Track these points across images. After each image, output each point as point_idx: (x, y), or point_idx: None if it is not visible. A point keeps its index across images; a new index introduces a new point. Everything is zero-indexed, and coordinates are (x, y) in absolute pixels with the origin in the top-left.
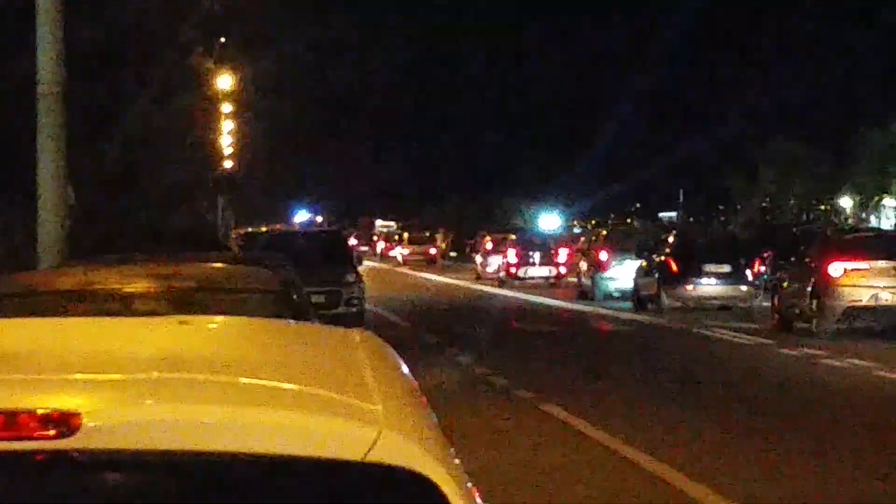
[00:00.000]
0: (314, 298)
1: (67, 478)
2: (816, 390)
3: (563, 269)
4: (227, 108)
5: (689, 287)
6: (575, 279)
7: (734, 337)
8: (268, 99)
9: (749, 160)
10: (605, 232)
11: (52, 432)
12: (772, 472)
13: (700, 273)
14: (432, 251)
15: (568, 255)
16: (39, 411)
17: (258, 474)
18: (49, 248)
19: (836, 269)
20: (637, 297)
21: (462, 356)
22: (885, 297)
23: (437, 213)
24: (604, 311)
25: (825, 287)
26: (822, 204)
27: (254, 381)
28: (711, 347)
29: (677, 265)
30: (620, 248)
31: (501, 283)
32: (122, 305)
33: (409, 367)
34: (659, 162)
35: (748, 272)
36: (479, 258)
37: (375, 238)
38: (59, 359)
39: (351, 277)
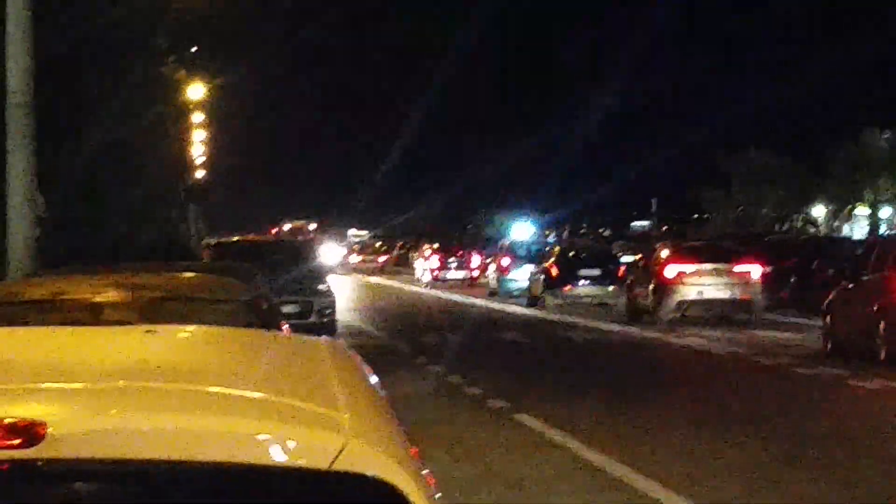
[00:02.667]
0: (286, 308)
1: (32, 487)
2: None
3: (475, 273)
4: (198, 117)
5: (567, 288)
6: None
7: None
8: (240, 107)
9: (722, 170)
10: (507, 242)
11: (17, 441)
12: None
13: (576, 277)
14: (381, 259)
15: (480, 260)
16: (5, 420)
17: (224, 483)
18: (19, 258)
19: (670, 271)
20: (530, 297)
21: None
22: (709, 293)
23: (408, 223)
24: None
25: (662, 286)
26: (795, 214)
27: (219, 389)
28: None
29: (557, 270)
30: (522, 256)
31: (427, 285)
32: (90, 315)
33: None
34: (633, 171)
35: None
36: (416, 264)
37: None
38: (25, 368)
39: (323, 287)
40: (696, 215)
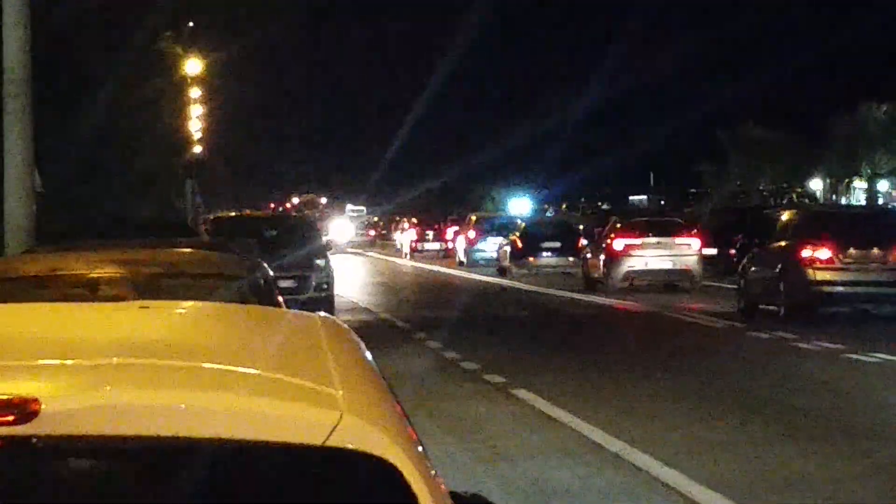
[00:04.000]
0: (283, 283)
1: (26, 464)
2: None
3: (450, 244)
4: (195, 92)
5: (531, 259)
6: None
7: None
8: (238, 82)
9: (720, 145)
10: (474, 218)
11: (10, 418)
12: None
13: (539, 249)
14: (371, 233)
15: (454, 233)
16: None
17: (218, 459)
18: (16, 234)
19: (618, 244)
20: (499, 267)
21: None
22: (654, 264)
23: (412, 200)
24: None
25: (611, 257)
26: (794, 187)
27: (213, 365)
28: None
29: (522, 243)
30: (488, 229)
31: (407, 255)
32: (87, 291)
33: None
34: (632, 146)
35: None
36: (396, 237)
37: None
38: (19, 344)
39: (321, 262)
40: (693, 189)
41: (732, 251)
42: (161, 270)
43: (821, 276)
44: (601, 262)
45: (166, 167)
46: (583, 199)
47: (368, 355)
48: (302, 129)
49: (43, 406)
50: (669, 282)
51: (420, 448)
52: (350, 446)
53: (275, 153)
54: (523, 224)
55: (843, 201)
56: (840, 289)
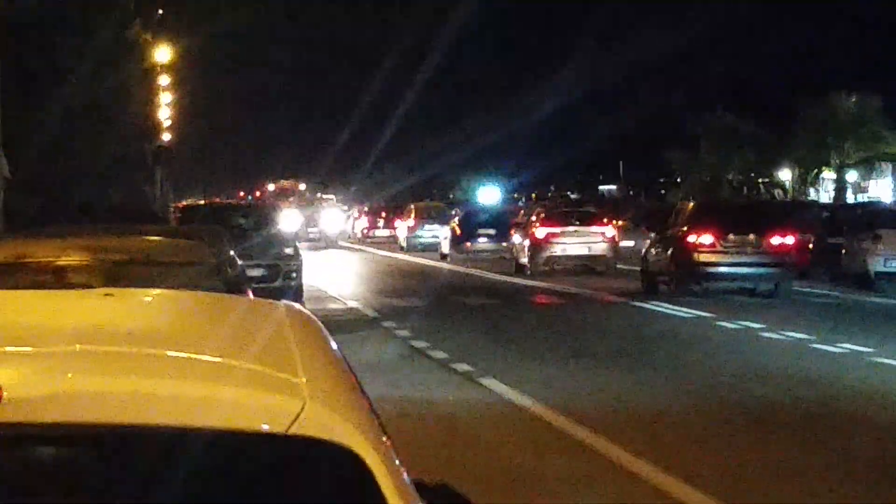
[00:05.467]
0: (253, 272)
1: None
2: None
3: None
4: (165, 80)
5: (468, 244)
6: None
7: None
8: (207, 70)
9: (690, 133)
10: (413, 207)
11: None
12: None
13: (475, 235)
14: None
15: (395, 221)
16: None
17: (180, 447)
18: None
19: (540, 232)
20: (441, 252)
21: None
22: (572, 250)
23: (373, 184)
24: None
25: (534, 244)
26: (763, 177)
27: (177, 353)
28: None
29: (460, 230)
30: (426, 217)
31: (360, 241)
32: (54, 278)
33: None
34: (602, 134)
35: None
36: (354, 225)
37: None
38: None
39: (290, 251)
40: (662, 179)
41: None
42: (128, 257)
43: (704, 257)
44: (526, 248)
45: (136, 154)
46: (552, 188)
47: (333, 344)
48: (276, 118)
49: (5, 393)
50: (586, 266)
51: (384, 437)
52: (313, 434)
53: (246, 141)
54: (461, 212)
55: (813, 192)
56: (720, 269)
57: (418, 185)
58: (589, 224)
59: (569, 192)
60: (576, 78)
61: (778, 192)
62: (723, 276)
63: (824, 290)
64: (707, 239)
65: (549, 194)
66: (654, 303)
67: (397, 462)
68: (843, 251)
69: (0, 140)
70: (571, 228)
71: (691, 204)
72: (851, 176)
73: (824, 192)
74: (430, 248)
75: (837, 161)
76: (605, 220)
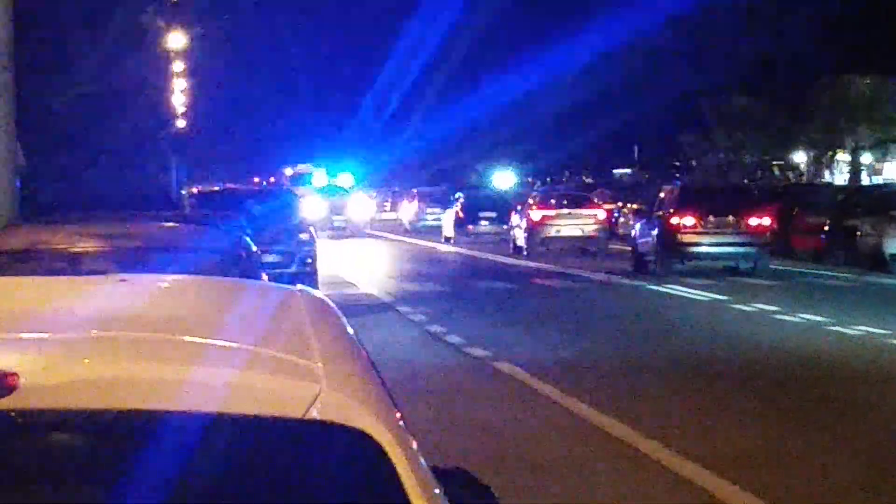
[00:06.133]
0: (268, 258)
1: (5, 438)
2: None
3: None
4: (178, 66)
5: (471, 227)
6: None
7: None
8: (223, 56)
9: (704, 116)
10: (416, 191)
11: None
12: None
13: (477, 218)
14: None
15: (401, 204)
16: None
17: (198, 432)
18: None
19: (536, 215)
20: (444, 235)
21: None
22: (565, 231)
23: (389, 172)
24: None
25: (531, 226)
26: (776, 160)
27: (192, 339)
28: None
29: (463, 213)
30: (429, 201)
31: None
32: (69, 265)
33: None
34: (617, 118)
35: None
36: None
37: None
38: None
39: (304, 237)
40: (677, 162)
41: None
42: (143, 244)
43: (686, 238)
44: (523, 231)
45: (150, 141)
46: (567, 172)
47: (350, 329)
48: (294, 104)
49: (22, 380)
50: (579, 246)
51: (401, 421)
52: (330, 419)
53: (263, 127)
54: (463, 196)
55: (827, 174)
56: (701, 248)
57: (437, 171)
58: (581, 207)
59: (584, 176)
60: (590, 63)
61: (791, 174)
62: (704, 256)
63: (839, 273)
64: (689, 220)
65: (565, 179)
66: (669, 286)
67: (414, 446)
68: (858, 233)
69: (14, 128)
70: (565, 211)
71: (675, 188)
72: (866, 158)
73: (839, 175)
74: (434, 231)
75: (852, 143)
76: (597, 203)
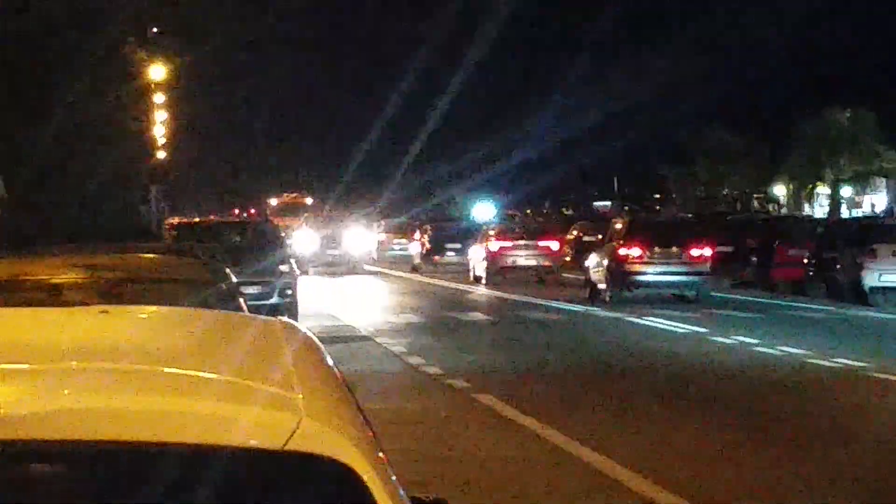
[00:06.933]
0: (248, 289)
1: None
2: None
3: None
4: (159, 98)
5: (437, 258)
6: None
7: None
8: (203, 87)
9: (685, 149)
10: (383, 223)
11: None
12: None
13: (443, 250)
14: None
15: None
16: None
17: (177, 464)
18: None
19: (494, 246)
20: (412, 265)
21: None
22: (521, 262)
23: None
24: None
25: (489, 257)
26: (757, 193)
27: (173, 370)
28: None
29: (430, 245)
30: (396, 233)
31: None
32: (50, 296)
33: None
34: (597, 150)
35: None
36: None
37: None
38: None
39: (285, 268)
40: (657, 195)
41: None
42: (124, 275)
43: (633, 267)
44: (482, 260)
45: (130, 172)
46: (546, 203)
47: (329, 360)
48: (273, 134)
49: (1, 410)
50: (534, 275)
51: (380, 452)
52: (310, 450)
53: (242, 159)
54: (429, 228)
55: (807, 207)
56: (647, 277)
57: (409, 200)
58: (537, 238)
59: (563, 208)
60: (571, 95)
61: (773, 207)
62: (650, 284)
63: (819, 305)
64: (636, 251)
65: (545, 210)
66: (648, 318)
67: (393, 478)
68: (838, 266)
69: None
70: (521, 242)
71: (623, 221)
72: (846, 191)
73: (819, 207)
74: (400, 261)
75: (832, 176)
76: (551, 235)
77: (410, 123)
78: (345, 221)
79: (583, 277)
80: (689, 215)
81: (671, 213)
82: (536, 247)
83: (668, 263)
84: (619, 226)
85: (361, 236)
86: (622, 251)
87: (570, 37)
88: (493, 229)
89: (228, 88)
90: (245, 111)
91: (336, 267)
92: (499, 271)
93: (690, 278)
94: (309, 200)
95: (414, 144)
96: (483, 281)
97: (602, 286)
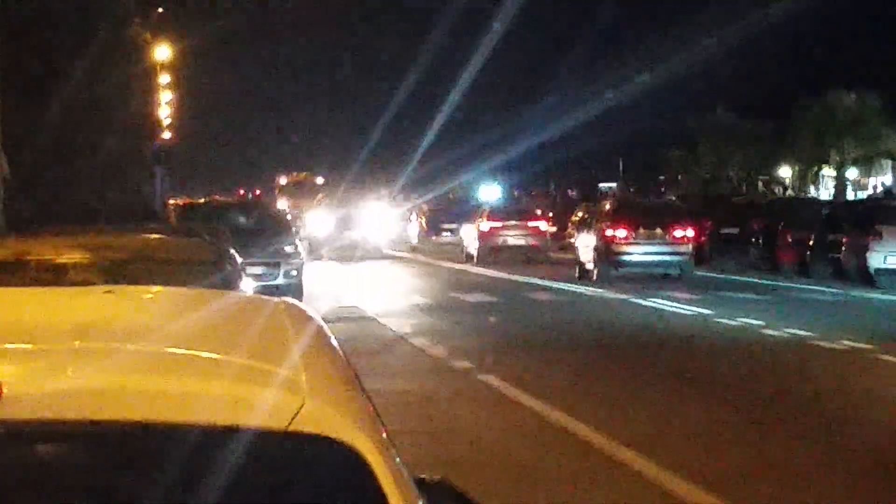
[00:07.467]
0: (253, 270)
1: None
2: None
3: None
4: (164, 78)
5: (434, 237)
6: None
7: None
8: (208, 68)
9: (690, 131)
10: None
11: None
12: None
13: (439, 230)
14: None
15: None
16: None
17: (180, 444)
18: None
19: (485, 226)
20: (410, 245)
21: None
22: (511, 241)
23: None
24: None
25: (480, 236)
26: (759, 175)
27: (176, 350)
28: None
29: (427, 225)
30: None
31: None
32: (55, 276)
33: None
34: (602, 132)
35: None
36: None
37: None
38: None
39: (290, 249)
40: (662, 176)
41: (703, 238)
42: (128, 256)
43: (619, 248)
44: (474, 241)
45: (135, 153)
46: (553, 185)
47: (333, 340)
48: (280, 116)
49: (5, 390)
50: (523, 255)
51: (384, 433)
52: (313, 431)
53: (251, 137)
54: (426, 209)
55: (812, 189)
56: (633, 257)
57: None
58: (526, 219)
59: (569, 190)
60: (577, 77)
61: (778, 189)
62: (635, 263)
63: (824, 287)
64: (622, 233)
65: (549, 191)
66: (652, 300)
67: (397, 459)
68: (843, 248)
69: (1, 141)
70: (511, 223)
71: (610, 203)
72: (851, 173)
73: (824, 190)
74: (398, 240)
75: (837, 159)
76: (540, 216)
77: (425, 110)
78: (362, 203)
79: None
80: (673, 198)
81: (661, 196)
82: (525, 227)
83: (652, 244)
84: (606, 208)
85: (382, 218)
86: (609, 232)
87: (577, 25)
88: (484, 210)
89: (237, 67)
90: (254, 89)
91: (352, 251)
92: (490, 251)
93: (673, 258)
94: (320, 180)
95: (430, 129)
96: (475, 260)
97: (590, 265)
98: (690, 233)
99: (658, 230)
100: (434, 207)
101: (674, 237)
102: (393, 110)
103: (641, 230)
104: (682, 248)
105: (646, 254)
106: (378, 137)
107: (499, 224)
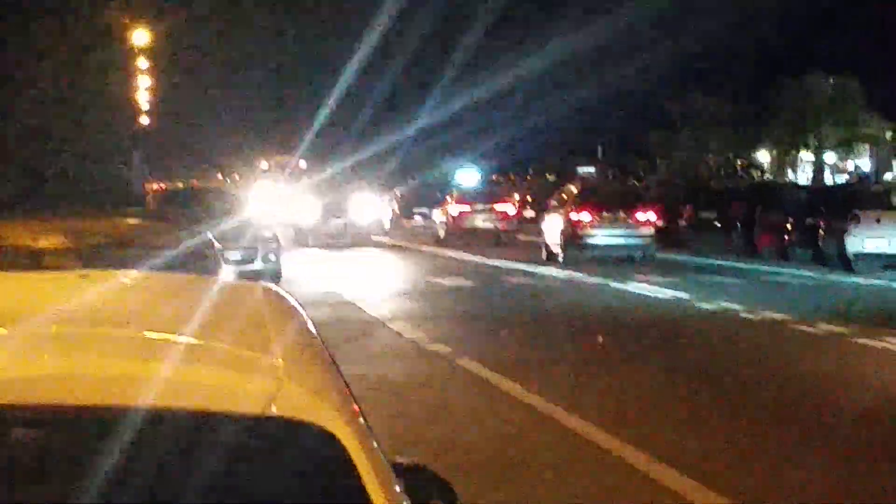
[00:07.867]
0: (231, 254)
1: None
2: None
3: None
4: (143, 63)
5: (405, 221)
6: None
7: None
8: (187, 52)
9: (669, 115)
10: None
11: None
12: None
13: (411, 214)
14: None
15: None
16: None
17: (156, 428)
18: None
19: (454, 209)
20: (384, 229)
21: None
22: (479, 225)
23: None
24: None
25: (451, 221)
26: (740, 159)
27: (153, 334)
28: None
29: (399, 209)
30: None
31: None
32: (32, 261)
33: None
34: (581, 116)
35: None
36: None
37: None
38: None
39: (268, 233)
40: (642, 161)
41: (682, 222)
42: (106, 240)
43: (583, 231)
44: (444, 224)
45: (113, 137)
46: (530, 170)
47: (311, 324)
48: (254, 99)
49: None
50: (492, 237)
51: (361, 418)
52: (290, 415)
53: (230, 121)
54: (399, 193)
55: (791, 173)
56: (597, 240)
57: (399, 166)
58: (494, 203)
59: (547, 174)
60: (554, 60)
61: (756, 173)
62: (599, 246)
63: (803, 272)
64: (586, 216)
65: (528, 176)
66: (632, 283)
67: (374, 443)
68: (821, 232)
69: None
70: (479, 207)
71: (575, 188)
72: (829, 157)
73: (802, 174)
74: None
75: (815, 142)
76: (507, 199)
77: (414, 96)
78: (350, 188)
79: (537, 240)
80: (637, 183)
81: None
82: (493, 210)
83: (615, 227)
84: (572, 192)
85: (369, 203)
86: (573, 216)
87: (556, 9)
88: (453, 195)
89: (215, 50)
90: (234, 72)
91: (339, 239)
92: (459, 234)
93: (636, 241)
94: (303, 163)
95: (418, 113)
96: (444, 242)
97: (556, 248)
98: (653, 216)
99: (621, 214)
100: (406, 192)
101: (636, 220)
102: (381, 96)
103: (605, 214)
104: (645, 232)
105: (610, 236)
106: (364, 127)
107: (468, 208)
